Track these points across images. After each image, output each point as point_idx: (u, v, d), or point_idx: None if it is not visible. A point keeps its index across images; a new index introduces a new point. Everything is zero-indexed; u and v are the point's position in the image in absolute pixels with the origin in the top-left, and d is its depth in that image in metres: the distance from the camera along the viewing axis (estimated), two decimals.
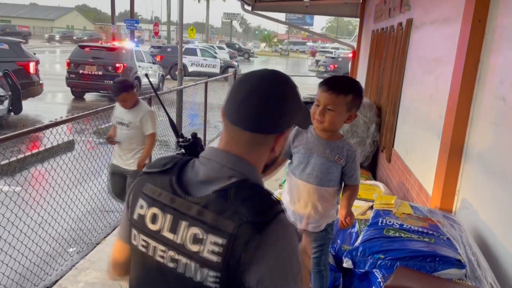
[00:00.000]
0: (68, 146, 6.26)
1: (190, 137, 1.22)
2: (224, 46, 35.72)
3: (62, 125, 3.62)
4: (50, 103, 12.26)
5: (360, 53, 8.56)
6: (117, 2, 27.55)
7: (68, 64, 12.56)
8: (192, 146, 1.17)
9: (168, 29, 41.71)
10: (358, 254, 2.27)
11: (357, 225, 2.82)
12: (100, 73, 12.28)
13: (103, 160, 4.55)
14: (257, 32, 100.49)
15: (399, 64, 4.45)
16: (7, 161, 3.67)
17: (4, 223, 3.22)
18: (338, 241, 2.77)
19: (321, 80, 2.20)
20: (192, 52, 21.36)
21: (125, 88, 3.75)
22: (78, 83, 12.45)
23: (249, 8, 8.99)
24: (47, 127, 3.33)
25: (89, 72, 12.33)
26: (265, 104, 0.97)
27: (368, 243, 2.29)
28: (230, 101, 1.00)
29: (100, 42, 17.41)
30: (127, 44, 15.67)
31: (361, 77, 7.82)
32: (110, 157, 4.29)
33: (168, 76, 18.71)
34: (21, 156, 4.64)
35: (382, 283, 2.04)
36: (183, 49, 10.71)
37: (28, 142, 5.23)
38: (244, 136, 0.98)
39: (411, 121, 3.99)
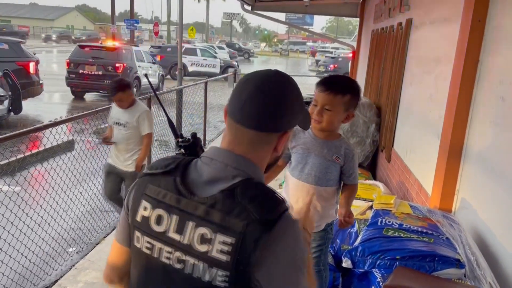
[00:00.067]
0: (68, 146, 6.27)
1: (189, 137, 1.22)
2: (224, 46, 35.71)
3: (61, 125, 3.62)
4: (50, 103, 12.27)
5: (360, 53, 8.56)
6: (117, 2, 27.56)
7: (68, 64, 12.56)
8: (192, 146, 1.17)
9: (168, 29, 41.73)
10: (358, 254, 2.27)
11: (356, 225, 2.82)
12: (100, 73, 12.28)
13: (103, 160, 4.54)
14: (257, 32, 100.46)
15: (398, 64, 4.45)
16: (6, 161, 3.67)
17: (3, 223, 3.22)
18: (338, 241, 2.77)
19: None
20: (192, 52, 21.37)
21: (121, 88, 3.72)
22: (78, 83, 12.45)
23: (249, 8, 8.99)
24: (46, 127, 3.34)
25: (89, 72, 12.33)
26: (269, 103, 0.98)
27: (367, 243, 2.30)
28: (234, 100, 1.00)
29: (100, 42, 17.38)
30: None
31: (361, 77, 7.82)
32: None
33: (168, 76, 18.71)
34: (20, 156, 4.63)
35: (381, 283, 2.04)
36: (183, 49, 10.72)
37: (27, 142, 5.22)
38: (248, 135, 0.99)
39: (410, 121, 3.99)
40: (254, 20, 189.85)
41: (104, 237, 4.16)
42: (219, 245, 0.90)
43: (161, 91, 9.83)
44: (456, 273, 2.03)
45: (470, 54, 2.47)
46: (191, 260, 0.94)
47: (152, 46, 22.74)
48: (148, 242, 1.00)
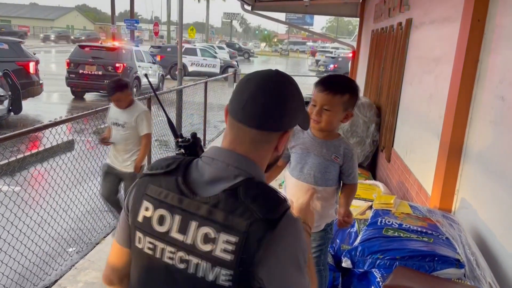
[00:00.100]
0: (67, 146, 6.27)
1: (189, 137, 1.22)
2: (224, 46, 35.70)
3: (61, 125, 3.62)
4: (50, 103, 12.28)
5: (360, 53, 8.56)
6: (117, 2, 27.57)
7: (68, 64, 12.57)
8: (192, 146, 1.17)
9: (168, 29, 41.73)
10: (357, 253, 2.27)
11: (356, 224, 2.82)
12: (100, 73, 12.28)
13: (102, 160, 4.54)
14: (257, 32, 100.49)
15: (398, 63, 4.45)
16: (6, 161, 3.67)
17: (3, 223, 3.22)
18: (337, 240, 2.77)
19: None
20: (192, 52, 21.37)
21: (119, 88, 3.68)
22: (78, 83, 12.45)
23: (249, 8, 8.99)
24: (46, 127, 3.33)
25: (89, 72, 12.33)
26: (270, 103, 0.98)
27: (367, 242, 2.29)
28: (235, 100, 1.01)
29: (100, 42, 17.39)
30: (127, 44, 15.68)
31: (361, 77, 7.82)
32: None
33: (168, 76, 18.71)
34: (20, 156, 4.63)
35: (381, 283, 2.04)
36: (183, 49, 10.72)
37: (27, 142, 5.22)
38: (250, 134, 0.99)
39: (410, 120, 3.99)
40: (254, 20, 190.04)
41: (104, 237, 4.17)
42: (223, 244, 0.90)
43: (161, 91, 9.83)
44: (455, 273, 2.03)
45: (470, 53, 2.47)
46: (194, 259, 0.94)
47: (152, 46, 22.75)
48: (150, 243, 0.99)
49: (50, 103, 12.22)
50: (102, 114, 4.37)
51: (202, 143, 1.17)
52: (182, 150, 1.19)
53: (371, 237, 2.33)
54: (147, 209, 1.00)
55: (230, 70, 16.87)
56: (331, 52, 31.40)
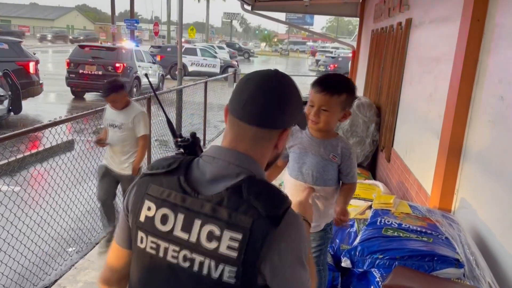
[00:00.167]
0: (67, 146, 6.27)
1: (189, 137, 1.22)
2: (224, 45, 35.69)
3: (61, 125, 3.62)
4: (50, 103, 12.28)
5: (360, 52, 8.56)
6: (117, 2, 27.58)
7: (68, 64, 12.58)
8: (191, 146, 1.18)
9: (168, 29, 41.72)
10: (357, 253, 2.27)
11: (355, 224, 2.82)
12: (100, 73, 12.28)
13: (102, 160, 4.54)
14: (257, 32, 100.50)
15: (398, 63, 4.45)
16: (6, 161, 3.67)
17: (3, 223, 3.22)
18: (337, 240, 2.77)
19: None
20: (192, 52, 21.37)
21: (114, 89, 3.62)
22: (78, 83, 12.46)
23: (249, 8, 8.99)
24: (45, 126, 3.33)
25: (89, 72, 12.34)
26: (270, 101, 1.00)
27: (366, 242, 2.29)
28: (236, 98, 1.03)
29: (100, 42, 17.39)
30: (127, 44, 15.67)
31: (361, 77, 7.82)
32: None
33: (168, 76, 18.72)
34: (20, 156, 4.63)
35: (380, 283, 2.04)
36: (183, 49, 10.72)
37: (27, 142, 5.22)
38: (250, 132, 1.01)
39: (410, 120, 3.99)
40: (254, 20, 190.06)
41: (104, 236, 4.16)
42: (228, 242, 0.92)
43: (161, 91, 9.84)
44: (455, 273, 2.02)
45: (470, 53, 2.47)
46: (198, 257, 0.95)
47: (152, 46, 22.75)
48: (153, 242, 1.00)
49: (50, 103, 12.22)
50: (102, 114, 4.36)
51: (201, 143, 1.17)
52: (182, 150, 1.20)
53: (370, 237, 2.33)
54: (149, 208, 1.00)
55: (230, 70, 16.87)
56: (331, 52, 31.43)
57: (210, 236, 0.93)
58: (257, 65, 34.44)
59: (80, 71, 12.35)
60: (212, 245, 0.93)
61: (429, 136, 3.15)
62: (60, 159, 3.98)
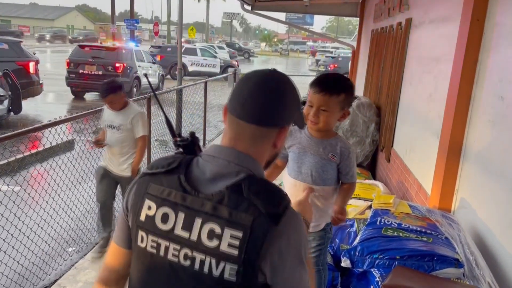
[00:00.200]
0: (67, 146, 6.27)
1: (188, 137, 1.23)
2: (224, 45, 35.68)
3: (61, 125, 3.61)
4: (50, 103, 12.28)
5: (360, 52, 8.56)
6: (117, 2, 27.58)
7: (68, 64, 12.58)
8: (190, 145, 1.19)
9: (168, 29, 41.72)
10: (356, 253, 2.27)
11: (355, 224, 2.82)
12: (100, 72, 12.28)
13: (101, 161, 4.54)
14: (257, 31, 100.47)
15: (398, 63, 4.45)
16: (6, 161, 3.67)
17: (3, 223, 3.22)
18: (337, 240, 2.77)
19: None
20: (192, 51, 21.37)
21: (112, 90, 3.58)
22: (78, 83, 12.46)
23: (249, 8, 8.99)
24: (45, 126, 3.33)
25: (89, 72, 12.35)
26: (269, 99, 1.02)
27: (366, 242, 2.29)
28: (235, 98, 1.04)
29: (100, 42, 17.39)
30: (127, 43, 15.66)
31: (361, 77, 7.82)
32: None
33: (168, 76, 18.72)
34: (20, 156, 4.63)
35: (380, 282, 2.04)
36: (183, 49, 10.72)
37: (27, 142, 5.23)
38: (249, 130, 1.02)
39: (410, 120, 3.99)
40: (254, 20, 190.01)
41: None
42: (229, 239, 0.92)
43: (161, 90, 9.83)
44: (455, 273, 2.02)
45: (469, 53, 2.47)
46: (199, 256, 0.95)
47: (152, 46, 22.75)
48: (153, 241, 1.00)
49: (50, 103, 12.22)
50: (101, 114, 4.36)
51: (200, 142, 1.18)
52: (181, 149, 1.20)
53: (370, 236, 2.33)
54: (149, 207, 1.01)
55: (230, 70, 16.86)
56: (331, 52, 31.43)
57: (211, 234, 0.94)
58: (257, 65, 34.43)
59: (80, 71, 12.36)
60: (213, 243, 0.93)
61: (429, 136, 3.15)
62: (60, 159, 3.98)
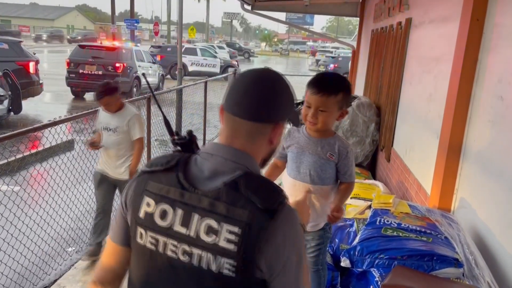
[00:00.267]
0: (67, 146, 6.27)
1: (185, 135, 1.24)
2: (224, 45, 35.67)
3: (61, 125, 3.60)
4: (50, 102, 12.28)
5: (360, 52, 8.56)
6: (117, 2, 27.59)
7: (68, 64, 12.58)
8: (188, 144, 1.20)
9: (168, 29, 41.72)
10: (356, 253, 2.27)
11: (355, 224, 2.82)
12: (100, 72, 12.28)
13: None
14: (257, 31, 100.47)
15: (398, 63, 4.45)
16: (6, 161, 3.67)
17: (3, 223, 3.22)
18: (336, 240, 2.77)
19: None
20: (192, 51, 21.37)
21: (107, 92, 3.51)
22: (78, 83, 12.46)
23: (249, 8, 8.99)
24: (45, 126, 3.32)
25: (89, 72, 12.34)
26: (263, 96, 1.04)
27: (366, 242, 2.29)
28: (230, 96, 1.07)
29: (100, 42, 17.39)
30: (126, 43, 15.66)
31: (360, 77, 7.83)
32: None
33: (168, 76, 18.71)
34: (20, 156, 4.63)
35: (379, 282, 2.04)
36: (183, 49, 10.72)
37: (27, 142, 5.23)
38: (245, 127, 1.04)
39: (410, 120, 3.99)
40: (254, 20, 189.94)
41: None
42: (226, 235, 0.94)
43: (161, 90, 9.83)
44: (454, 273, 2.02)
45: (469, 53, 2.47)
46: (197, 251, 0.96)
47: (152, 46, 22.75)
48: (152, 237, 1.02)
49: (50, 103, 12.22)
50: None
51: (199, 141, 1.19)
52: (179, 148, 1.21)
53: (370, 236, 2.33)
54: (148, 204, 1.02)
55: (230, 70, 16.87)
56: (331, 52, 31.43)
57: (209, 230, 0.95)
58: (257, 65, 34.43)
59: (80, 71, 12.36)
60: (211, 239, 0.95)
61: (429, 135, 3.15)
62: (60, 159, 3.98)
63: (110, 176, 3.71)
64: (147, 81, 1.51)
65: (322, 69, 25.27)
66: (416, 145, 3.64)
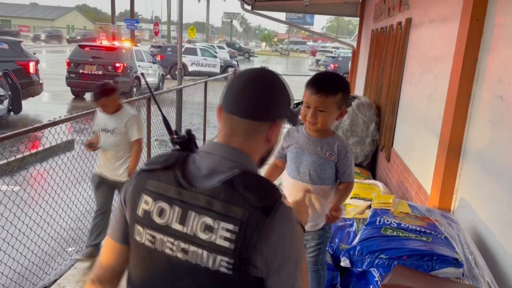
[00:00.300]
0: (67, 146, 6.27)
1: (184, 134, 1.24)
2: (224, 45, 35.67)
3: (61, 125, 3.60)
4: (50, 102, 12.28)
5: (360, 52, 8.56)
6: (117, 2, 27.58)
7: (68, 64, 12.58)
8: (187, 143, 1.21)
9: (168, 29, 41.73)
10: (356, 253, 2.27)
11: (355, 224, 2.82)
12: (100, 72, 12.28)
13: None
14: (257, 31, 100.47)
15: (398, 63, 4.45)
16: (6, 161, 3.67)
17: (3, 223, 3.22)
18: (336, 240, 2.77)
19: None
20: (192, 51, 21.37)
21: (104, 93, 3.46)
22: (78, 83, 12.46)
23: (249, 8, 8.99)
24: (45, 126, 3.32)
25: (89, 72, 12.35)
26: (259, 95, 1.06)
27: (365, 242, 2.29)
28: (227, 95, 1.08)
29: (100, 42, 17.40)
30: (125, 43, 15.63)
31: (360, 76, 7.83)
32: None
33: (168, 76, 18.71)
34: (20, 156, 4.63)
35: (379, 282, 2.04)
36: (183, 49, 10.73)
37: (27, 142, 5.23)
38: (242, 125, 1.05)
39: (410, 120, 3.99)
40: (254, 20, 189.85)
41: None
42: (222, 233, 0.95)
43: (161, 90, 9.82)
44: (454, 272, 2.02)
45: (469, 53, 2.47)
46: (194, 249, 0.97)
47: (152, 46, 22.75)
48: (150, 235, 1.03)
49: (50, 103, 12.22)
50: None
51: (196, 140, 1.19)
52: (178, 147, 1.22)
53: (369, 236, 2.33)
54: (146, 202, 1.03)
55: (230, 69, 16.87)
56: (332, 52, 31.43)
57: (206, 228, 0.96)
58: (257, 64, 34.41)
59: (80, 71, 12.36)
60: (208, 236, 0.96)
61: (429, 135, 3.15)
62: (60, 159, 3.98)
63: (108, 178, 3.67)
64: (146, 81, 1.51)
65: (322, 69, 25.26)
66: (416, 145, 3.64)
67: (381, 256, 2.17)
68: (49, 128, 3.44)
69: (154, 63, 15.04)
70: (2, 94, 8.27)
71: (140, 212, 1.04)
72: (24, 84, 9.29)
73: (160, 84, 15.03)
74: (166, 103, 7.86)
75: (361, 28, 8.54)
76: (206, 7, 57.90)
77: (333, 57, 26.16)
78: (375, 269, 2.16)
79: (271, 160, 2.28)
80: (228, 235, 0.94)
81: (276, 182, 2.34)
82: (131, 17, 27.78)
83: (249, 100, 1.05)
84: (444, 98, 2.78)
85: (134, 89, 12.83)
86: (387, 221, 2.44)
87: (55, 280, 3.40)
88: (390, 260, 2.14)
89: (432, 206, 2.74)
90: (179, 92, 7.81)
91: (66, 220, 3.91)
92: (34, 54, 10.99)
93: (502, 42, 2.23)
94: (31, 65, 9.89)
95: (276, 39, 69.94)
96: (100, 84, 3.65)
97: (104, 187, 3.70)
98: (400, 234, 2.30)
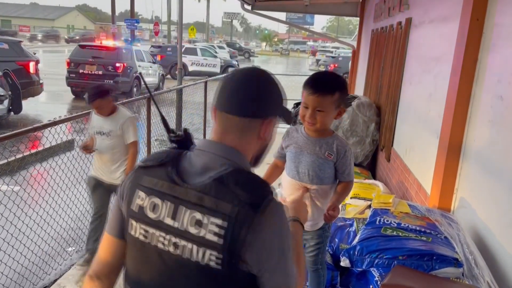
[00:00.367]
0: (67, 146, 6.27)
1: (181, 133, 1.25)
2: (225, 45, 35.67)
3: (61, 125, 3.59)
4: (50, 102, 12.28)
5: (360, 52, 8.56)
6: (117, 2, 27.59)
7: (68, 64, 12.58)
8: (184, 141, 1.22)
9: (169, 29, 41.71)
10: (356, 253, 2.27)
11: (355, 224, 2.82)
12: (100, 72, 12.29)
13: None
14: (257, 31, 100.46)
15: (398, 63, 4.45)
16: (6, 160, 3.67)
17: (3, 222, 3.22)
18: (336, 239, 2.77)
19: None
20: (192, 51, 21.38)
21: (99, 94, 3.40)
22: (78, 83, 12.46)
23: (249, 8, 8.99)
24: (45, 126, 3.32)
25: (89, 72, 12.35)
26: (250, 91, 1.08)
27: (365, 242, 2.29)
28: (221, 94, 1.10)
29: (100, 42, 17.39)
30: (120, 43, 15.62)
31: (361, 76, 7.83)
32: None
33: (168, 76, 18.72)
34: (20, 155, 4.63)
35: (379, 282, 2.04)
36: (183, 49, 10.73)
37: (27, 142, 5.23)
38: (235, 122, 1.07)
39: (410, 120, 3.99)
40: (254, 20, 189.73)
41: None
42: (212, 228, 0.96)
43: (161, 90, 9.82)
44: (454, 272, 2.03)
45: (469, 53, 2.47)
46: (185, 243, 0.99)
47: (152, 46, 22.75)
48: (143, 229, 1.05)
49: (50, 102, 12.22)
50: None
51: (193, 138, 1.21)
52: (175, 145, 1.23)
53: (369, 236, 2.33)
54: (141, 198, 1.06)
55: (230, 69, 16.88)
56: (332, 52, 31.43)
57: (196, 223, 0.98)
58: (257, 64, 34.42)
59: (80, 71, 12.37)
60: (198, 231, 0.98)
61: (429, 135, 3.15)
62: (60, 159, 3.98)
63: (105, 182, 3.62)
64: (144, 82, 1.51)
65: (322, 68, 25.26)
66: (416, 145, 3.64)
67: (381, 256, 2.18)
68: (49, 128, 3.44)
69: (154, 63, 15.04)
70: (2, 94, 8.27)
71: (135, 207, 1.06)
72: (24, 84, 9.29)
73: (160, 84, 15.04)
74: (166, 103, 7.86)
75: (361, 28, 8.54)
76: (206, 7, 57.90)
77: (333, 57, 26.14)
78: (375, 269, 2.16)
79: (271, 160, 2.28)
80: (217, 230, 0.96)
81: (276, 182, 2.34)
82: (131, 17, 27.80)
83: (239, 97, 1.08)
84: (444, 98, 2.78)
85: (134, 89, 12.83)
86: (387, 221, 2.44)
87: (55, 280, 3.40)
88: (390, 260, 2.14)
89: (432, 206, 2.74)
90: (179, 92, 7.81)
91: (66, 220, 3.91)
92: (34, 54, 10.99)
93: (502, 42, 2.23)
94: (31, 65, 9.89)
95: (276, 39, 69.94)
96: (94, 85, 3.59)
97: (101, 190, 3.65)
98: (400, 234, 2.30)
